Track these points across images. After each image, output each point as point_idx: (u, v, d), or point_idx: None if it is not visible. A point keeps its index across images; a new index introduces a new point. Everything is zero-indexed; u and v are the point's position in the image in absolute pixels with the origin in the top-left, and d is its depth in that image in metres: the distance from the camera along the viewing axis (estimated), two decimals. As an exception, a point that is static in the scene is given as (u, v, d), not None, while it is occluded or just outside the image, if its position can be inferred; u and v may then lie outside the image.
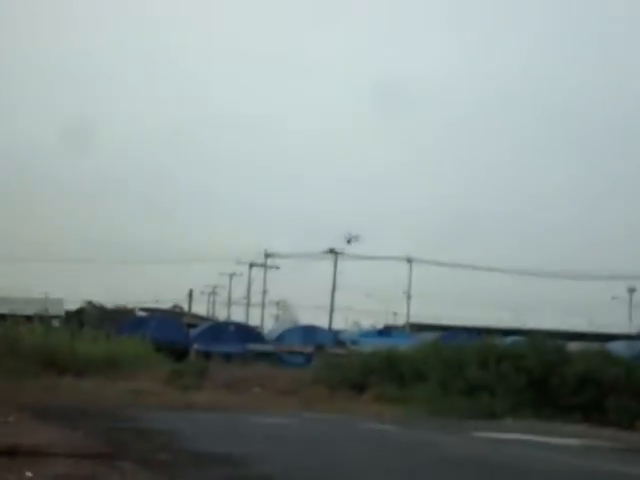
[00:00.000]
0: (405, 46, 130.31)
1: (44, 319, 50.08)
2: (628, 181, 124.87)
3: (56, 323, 53.62)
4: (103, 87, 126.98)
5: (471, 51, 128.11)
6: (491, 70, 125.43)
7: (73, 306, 75.43)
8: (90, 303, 78.47)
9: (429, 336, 55.51)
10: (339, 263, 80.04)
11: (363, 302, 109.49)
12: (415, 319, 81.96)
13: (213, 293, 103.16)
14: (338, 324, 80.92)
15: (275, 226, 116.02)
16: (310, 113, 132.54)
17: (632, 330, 72.00)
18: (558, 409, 34.11)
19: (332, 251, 79.95)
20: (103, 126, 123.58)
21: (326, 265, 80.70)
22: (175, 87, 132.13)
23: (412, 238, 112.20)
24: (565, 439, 25.31)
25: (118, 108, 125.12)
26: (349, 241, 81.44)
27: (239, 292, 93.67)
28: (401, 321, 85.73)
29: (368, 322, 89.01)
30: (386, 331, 71.44)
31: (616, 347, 44.62)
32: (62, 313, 65.80)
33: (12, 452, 14.07)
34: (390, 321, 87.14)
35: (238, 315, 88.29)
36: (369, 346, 48.48)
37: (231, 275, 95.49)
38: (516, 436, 25.48)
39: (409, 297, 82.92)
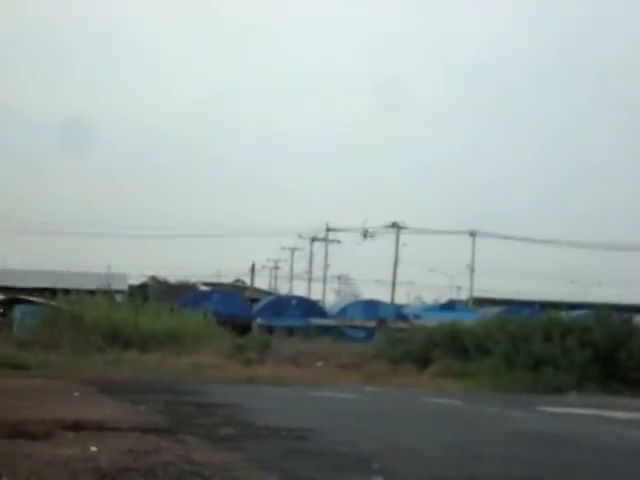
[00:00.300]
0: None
1: (107, 294, 50.38)
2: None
3: (119, 298, 53.93)
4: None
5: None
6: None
7: (136, 281, 76.06)
8: (153, 278, 79.02)
9: (492, 310, 55.07)
10: (402, 237, 79.63)
11: (426, 276, 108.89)
12: (478, 293, 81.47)
13: (275, 267, 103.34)
14: (400, 298, 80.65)
15: (337, 200, 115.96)
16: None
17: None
18: (625, 383, 33.70)
19: (394, 225, 79.51)
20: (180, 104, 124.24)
21: (388, 239, 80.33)
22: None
23: (475, 211, 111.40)
24: (632, 413, 24.89)
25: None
26: (365, 236, 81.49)
27: (301, 266, 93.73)
28: (464, 295, 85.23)
29: (431, 296, 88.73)
30: (449, 305, 71.10)
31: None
32: (125, 288, 66.24)
33: (77, 427, 14.11)
34: (453, 295, 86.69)
35: (300, 289, 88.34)
36: (432, 320, 48.19)
37: (293, 249, 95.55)
38: (582, 411, 25.13)
39: (472, 271, 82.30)
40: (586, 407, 26.37)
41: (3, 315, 57.67)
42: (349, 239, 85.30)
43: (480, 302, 75.30)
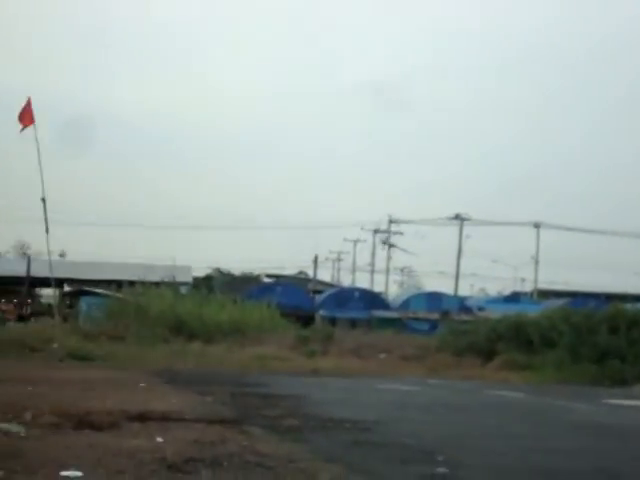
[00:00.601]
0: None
1: (172, 286, 50.78)
2: None
3: (184, 290, 54.30)
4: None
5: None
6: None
7: (201, 273, 76.52)
8: (218, 270, 79.44)
9: (557, 302, 54.63)
10: (465, 229, 79.29)
11: (489, 268, 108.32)
12: (543, 285, 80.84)
13: (338, 259, 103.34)
14: (464, 290, 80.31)
15: (400, 192, 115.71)
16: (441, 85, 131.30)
17: None
18: (692, 376, 33.29)
19: (457, 217, 79.15)
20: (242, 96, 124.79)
21: (451, 231, 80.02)
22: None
23: (539, 203, 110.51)
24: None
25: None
26: (384, 243, 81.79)
27: (363, 258, 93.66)
28: (528, 287, 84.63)
29: (494, 288, 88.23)
30: (513, 297, 70.60)
31: None
32: (190, 280, 66.68)
33: (143, 417, 14.23)
34: (517, 287, 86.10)
35: (362, 281, 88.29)
36: (496, 312, 47.92)
37: (355, 241, 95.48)
38: (648, 403, 24.87)
39: (537, 263, 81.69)
40: (653, 400, 26.09)
41: (69, 307, 58.49)
42: (412, 231, 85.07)
43: (544, 294, 74.73)
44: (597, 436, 15.79)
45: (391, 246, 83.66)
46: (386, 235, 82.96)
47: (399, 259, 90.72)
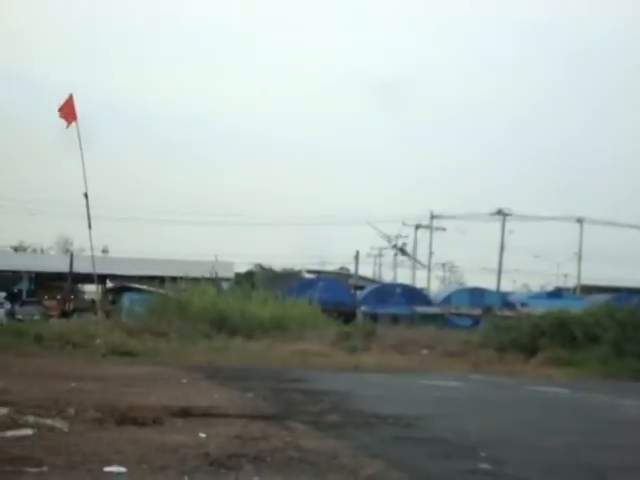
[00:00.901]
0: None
1: (214, 282, 50.92)
2: None
3: (226, 286, 54.44)
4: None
5: None
6: None
7: (242, 269, 76.69)
8: (259, 265, 79.53)
9: (601, 298, 54.23)
10: (507, 224, 78.93)
11: (532, 263, 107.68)
12: (586, 281, 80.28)
13: (379, 255, 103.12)
14: (506, 286, 79.90)
15: (442, 188, 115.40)
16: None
17: None
18: None
19: (500, 212, 78.80)
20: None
21: (493, 226, 79.68)
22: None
23: (581, 198, 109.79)
24: None
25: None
26: (397, 248, 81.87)
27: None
28: (571, 283, 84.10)
29: (537, 284, 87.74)
30: (556, 293, 70.12)
31: None
32: (232, 275, 66.86)
33: (185, 413, 14.28)
34: (560, 283, 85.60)
35: (404, 277, 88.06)
36: (539, 308, 47.59)
37: (397, 237, 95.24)
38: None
39: (580, 258, 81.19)
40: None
41: (112, 303, 58.82)
42: (454, 226, 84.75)
43: (588, 290, 74.17)
44: (639, 432, 15.67)
45: (404, 253, 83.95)
46: (402, 242, 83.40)
47: (442, 255, 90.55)
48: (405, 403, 19.16)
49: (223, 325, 40.71)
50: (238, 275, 69.66)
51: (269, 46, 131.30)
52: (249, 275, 70.93)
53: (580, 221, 79.88)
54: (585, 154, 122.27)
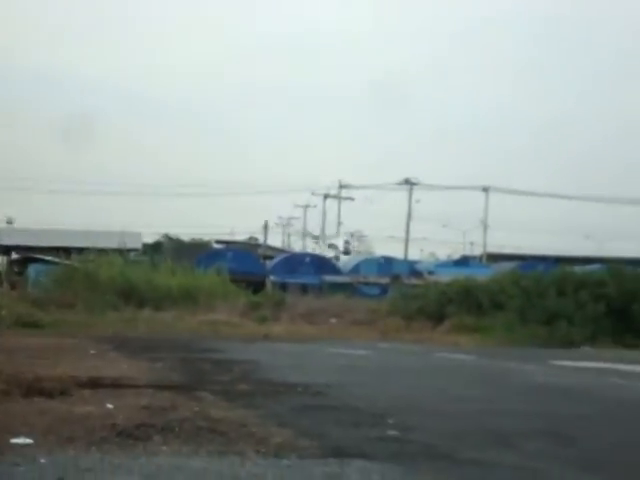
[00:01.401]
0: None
1: (122, 252, 50.46)
2: None
3: (133, 256, 53.98)
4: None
5: None
6: None
7: (150, 239, 76.07)
8: (167, 236, 79.03)
9: (506, 266, 55.03)
10: (414, 193, 79.49)
11: (439, 233, 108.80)
12: (492, 249, 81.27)
13: (288, 225, 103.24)
14: (414, 255, 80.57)
15: (349, 158, 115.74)
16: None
17: None
18: (638, 336, 33.77)
19: (407, 181, 79.31)
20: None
21: (401, 196, 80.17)
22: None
23: (488, 167, 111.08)
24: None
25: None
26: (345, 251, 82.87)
27: (314, 224, 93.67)
28: (478, 251, 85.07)
29: (444, 252, 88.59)
30: (463, 261, 70.87)
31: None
32: (139, 246, 66.26)
33: (93, 384, 14.17)
34: (467, 251, 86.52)
35: (313, 247, 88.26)
36: (446, 276, 48.13)
37: (305, 207, 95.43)
38: (596, 364, 25.16)
39: (486, 227, 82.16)
40: (600, 360, 26.41)
41: (18, 274, 57.90)
42: (362, 196, 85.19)
43: (494, 258, 75.07)
44: (546, 398, 15.95)
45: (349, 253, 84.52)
46: (346, 243, 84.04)
47: (350, 224, 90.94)
48: (314, 372, 19.25)
49: (131, 296, 40.41)
50: (146, 246, 69.07)
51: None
52: (157, 246, 70.47)
53: (486, 190, 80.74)
54: (491, 122, 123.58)
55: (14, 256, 71.42)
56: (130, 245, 57.10)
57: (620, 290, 35.67)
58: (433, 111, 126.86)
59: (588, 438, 11.37)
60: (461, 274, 45.11)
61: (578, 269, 41.60)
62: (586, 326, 34.33)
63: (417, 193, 79.63)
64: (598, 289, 35.93)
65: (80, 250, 49.43)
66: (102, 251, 48.73)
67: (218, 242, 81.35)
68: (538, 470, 9.08)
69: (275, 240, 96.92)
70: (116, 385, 14.36)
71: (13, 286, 44.88)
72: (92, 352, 21.67)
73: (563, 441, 10.90)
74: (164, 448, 9.28)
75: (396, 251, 75.75)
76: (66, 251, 50.83)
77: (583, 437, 11.37)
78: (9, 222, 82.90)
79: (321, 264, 64.17)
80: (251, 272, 56.96)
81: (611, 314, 35.01)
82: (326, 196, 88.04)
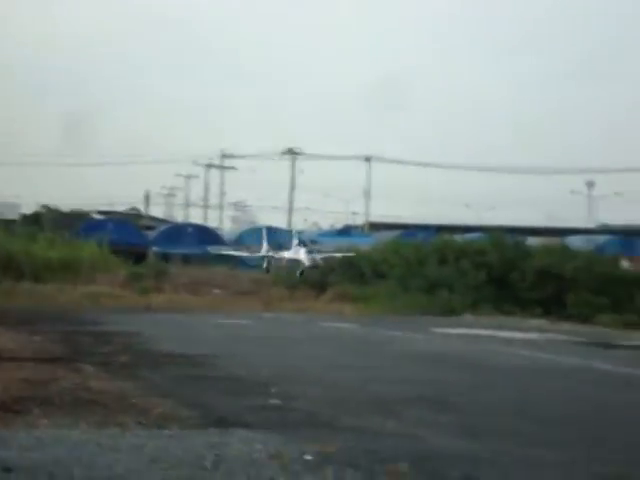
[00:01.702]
0: None
1: (-1, 223, 49.41)
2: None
3: (12, 227, 52.90)
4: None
5: None
6: None
7: (28, 210, 74.68)
8: (46, 207, 77.67)
9: (388, 235, 55.49)
10: (297, 163, 79.55)
11: (322, 202, 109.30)
12: (374, 218, 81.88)
13: (170, 195, 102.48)
14: (297, 225, 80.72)
15: (232, 127, 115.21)
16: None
17: (590, 224, 72.44)
18: (518, 304, 34.47)
19: (290, 151, 79.32)
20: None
21: (284, 165, 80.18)
22: None
23: (370, 137, 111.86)
24: (526, 334, 25.52)
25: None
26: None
27: (197, 194, 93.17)
28: (360, 221, 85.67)
29: (327, 222, 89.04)
30: (345, 231, 71.30)
31: (575, 241, 44.80)
32: (17, 217, 64.99)
33: (-31, 357, 13.89)
34: (349, 221, 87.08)
35: (196, 217, 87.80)
36: (329, 246, 48.33)
37: (188, 177, 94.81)
38: (477, 331, 25.65)
39: (368, 197, 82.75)
40: (481, 328, 26.92)
41: None
42: (245, 166, 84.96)
43: (376, 227, 75.72)
44: (427, 365, 16.21)
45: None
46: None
47: (233, 194, 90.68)
48: (197, 342, 19.21)
49: (9, 267, 39.61)
50: (24, 217, 67.79)
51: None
52: (36, 217, 69.20)
53: (368, 160, 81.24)
54: (372, 93, 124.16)
55: None
56: (7, 216, 56.01)
57: (501, 259, 36.32)
58: (317, 80, 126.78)
59: (466, 405, 11.59)
60: (343, 243, 45.34)
61: (459, 237, 42.19)
62: (467, 294, 34.86)
63: (300, 163, 79.74)
64: (479, 257, 36.50)
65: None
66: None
67: (99, 212, 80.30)
68: (418, 437, 9.22)
69: (157, 211, 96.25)
70: (-6, 358, 14.10)
71: None
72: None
73: (442, 408, 11.09)
74: (44, 421, 9.16)
75: (280, 221, 75.89)
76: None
77: (461, 404, 11.59)
78: None
79: (204, 234, 63.77)
80: (132, 243, 56.28)
81: (491, 282, 35.62)
82: (209, 166, 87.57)
